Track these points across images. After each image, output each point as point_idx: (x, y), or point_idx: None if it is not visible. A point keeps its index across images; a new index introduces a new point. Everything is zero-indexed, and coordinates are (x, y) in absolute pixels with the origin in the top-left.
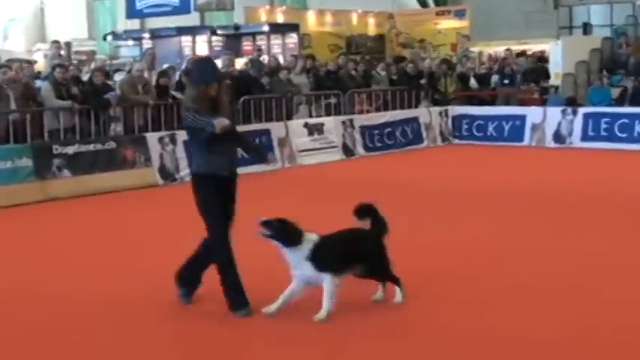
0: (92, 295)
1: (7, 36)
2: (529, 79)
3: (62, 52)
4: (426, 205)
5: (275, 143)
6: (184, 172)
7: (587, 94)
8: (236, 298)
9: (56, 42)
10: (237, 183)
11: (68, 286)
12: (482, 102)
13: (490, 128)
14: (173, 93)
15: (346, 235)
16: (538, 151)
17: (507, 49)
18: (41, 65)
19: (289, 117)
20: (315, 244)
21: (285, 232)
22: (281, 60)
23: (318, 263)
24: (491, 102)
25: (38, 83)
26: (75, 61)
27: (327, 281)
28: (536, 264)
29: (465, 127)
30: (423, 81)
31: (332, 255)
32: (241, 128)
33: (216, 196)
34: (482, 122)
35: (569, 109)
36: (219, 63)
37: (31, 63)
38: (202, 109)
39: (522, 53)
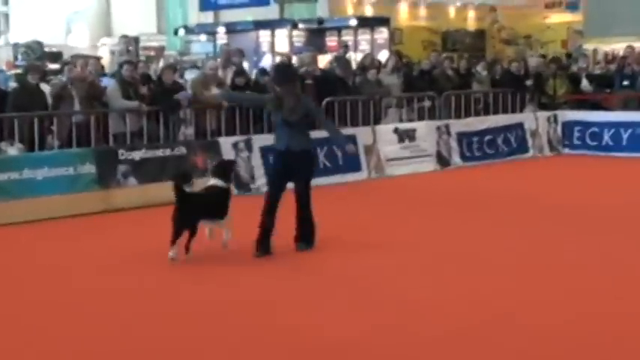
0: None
1: (70, 30)
2: None
3: (130, 48)
4: (537, 224)
5: (361, 150)
6: (260, 181)
7: None
8: (256, 243)
9: (125, 37)
10: (305, 158)
11: (121, 310)
12: (596, 106)
13: (606, 137)
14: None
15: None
16: None
17: (629, 47)
18: (106, 62)
19: (377, 121)
20: None
21: None
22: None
23: None
24: (608, 107)
25: (104, 82)
26: (143, 58)
27: None
28: None
29: (577, 134)
30: (529, 82)
31: None
32: (321, 134)
33: (273, 166)
34: (597, 130)
35: None
36: (299, 60)
37: (97, 59)
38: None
39: None
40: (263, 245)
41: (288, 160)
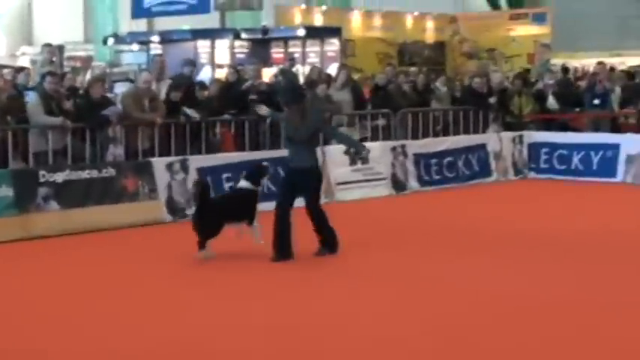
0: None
1: None
2: (625, 99)
3: (54, 59)
4: (500, 253)
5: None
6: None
7: None
8: (272, 247)
9: (48, 45)
10: (308, 175)
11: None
12: (565, 127)
13: (575, 160)
14: (186, 110)
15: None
16: (635, 190)
17: (600, 62)
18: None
19: (326, 141)
20: None
21: None
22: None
23: None
24: (577, 127)
25: (30, 96)
26: (68, 69)
27: None
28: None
29: (544, 157)
30: (492, 100)
31: None
32: (266, 154)
33: (283, 179)
34: (565, 152)
35: None
36: (242, 73)
37: (18, 70)
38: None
39: (614, 68)
40: (280, 250)
41: (294, 176)
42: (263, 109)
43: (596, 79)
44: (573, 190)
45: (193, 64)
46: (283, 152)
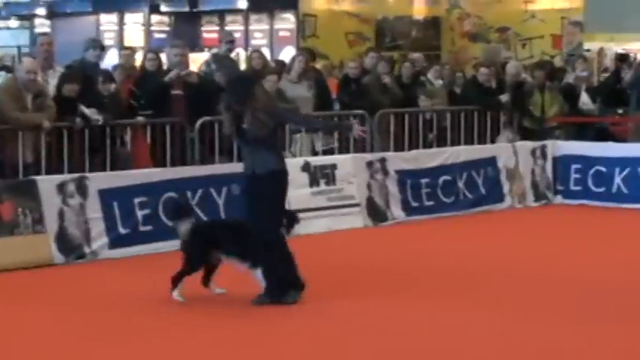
0: None
1: None
2: None
3: None
4: (516, 309)
5: None
6: (101, 241)
7: None
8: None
9: None
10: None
11: None
12: (604, 134)
13: (617, 179)
14: (84, 110)
15: None
16: None
17: None
18: None
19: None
20: None
21: None
22: (268, 57)
23: None
24: (620, 135)
25: None
26: None
27: None
28: None
29: (576, 176)
30: (504, 97)
31: None
32: (195, 171)
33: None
34: (603, 169)
35: None
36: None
37: None
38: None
39: None
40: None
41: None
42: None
43: None
44: (614, 221)
45: (101, 46)
46: (220, 168)
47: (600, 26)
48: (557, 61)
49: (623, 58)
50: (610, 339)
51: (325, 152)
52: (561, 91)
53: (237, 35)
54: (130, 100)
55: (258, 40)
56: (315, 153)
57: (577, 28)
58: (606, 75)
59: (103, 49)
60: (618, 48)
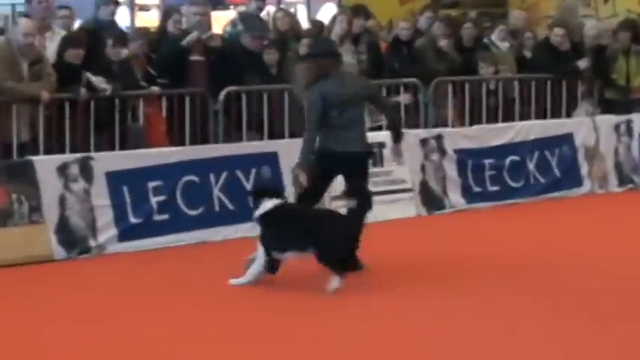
0: None
1: None
2: None
3: None
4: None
5: (287, 179)
6: (109, 233)
7: None
8: None
9: None
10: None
11: None
12: None
13: None
14: (91, 78)
15: None
16: None
17: None
18: None
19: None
20: None
21: None
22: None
23: None
24: None
25: None
26: None
27: None
28: None
29: None
30: (583, 63)
31: None
32: (219, 150)
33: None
34: None
35: None
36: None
37: None
38: None
39: None
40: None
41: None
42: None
43: None
44: None
45: (115, 1)
46: (248, 146)
47: None
48: None
49: None
50: None
51: (372, 129)
52: None
53: None
54: (148, 68)
55: None
56: None
57: None
58: None
59: (117, 3)
60: None
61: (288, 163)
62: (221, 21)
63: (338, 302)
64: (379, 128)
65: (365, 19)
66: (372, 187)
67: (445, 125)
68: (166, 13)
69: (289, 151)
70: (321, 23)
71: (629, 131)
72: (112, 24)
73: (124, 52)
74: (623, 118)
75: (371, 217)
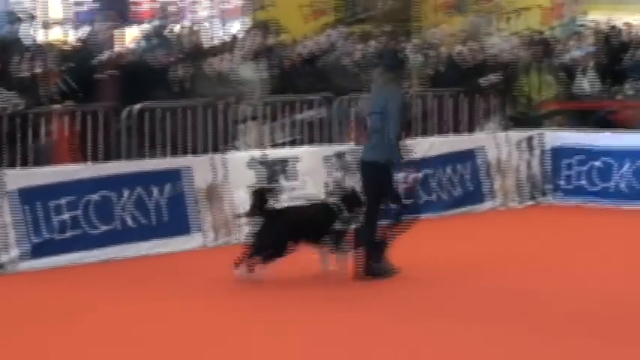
0: None
1: None
2: None
3: None
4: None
5: (196, 197)
6: (18, 249)
7: None
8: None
9: None
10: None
11: None
12: (604, 122)
13: (621, 175)
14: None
15: None
16: None
17: None
18: None
19: (225, 146)
20: None
21: None
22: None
23: None
24: (624, 123)
25: None
26: None
27: None
28: None
29: (572, 171)
30: (490, 79)
31: None
32: (124, 167)
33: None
34: (607, 162)
35: None
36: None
37: None
38: None
39: None
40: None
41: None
42: None
43: None
44: (618, 224)
45: (18, 18)
46: (156, 163)
47: None
48: (551, 38)
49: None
50: None
51: (285, 144)
52: (556, 72)
53: (177, 6)
54: (59, 83)
55: (201, 12)
56: (269, 145)
57: None
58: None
59: (20, 21)
60: (621, 21)
61: (196, 179)
62: (128, 37)
63: None
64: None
65: (275, 34)
66: (287, 202)
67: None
68: (78, 29)
69: (199, 168)
70: (233, 38)
71: (530, 146)
72: (19, 40)
73: (35, 68)
74: (529, 133)
75: None
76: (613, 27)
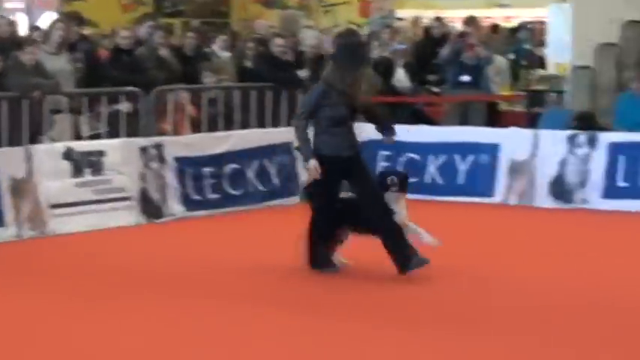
0: None
1: None
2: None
3: None
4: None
5: (3, 190)
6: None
7: (617, 108)
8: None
9: None
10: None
11: None
12: (418, 116)
13: (431, 169)
14: None
15: None
16: (525, 214)
17: (470, 18)
18: None
19: (34, 138)
20: None
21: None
22: (22, 25)
23: None
24: (435, 117)
25: None
26: None
27: None
28: None
29: (385, 164)
30: (304, 73)
31: None
32: None
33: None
34: (415, 156)
35: (583, 137)
36: None
37: None
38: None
39: (495, 27)
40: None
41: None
42: None
43: (463, 44)
44: (431, 214)
45: None
46: None
47: None
48: (365, 31)
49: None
50: None
51: (92, 137)
52: (375, 66)
53: None
54: None
55: (10, 3)
56: (78, 138)
57: None
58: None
59: None
60: (433, 16)
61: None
62: None
63: None
64: (98, 136)
65: (82, 26)
66: (92, 196)
67: (165, 134)
68: None
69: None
70: (39, 30)
71: None
72: None
73: None
74: None
75: (90, 224)
76: (438, 18)
